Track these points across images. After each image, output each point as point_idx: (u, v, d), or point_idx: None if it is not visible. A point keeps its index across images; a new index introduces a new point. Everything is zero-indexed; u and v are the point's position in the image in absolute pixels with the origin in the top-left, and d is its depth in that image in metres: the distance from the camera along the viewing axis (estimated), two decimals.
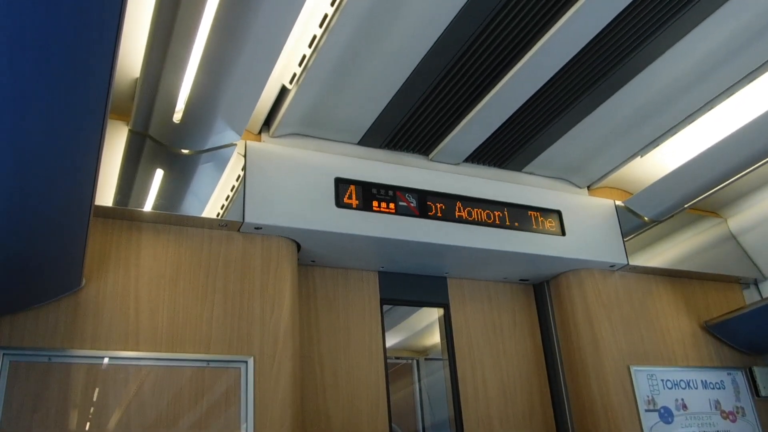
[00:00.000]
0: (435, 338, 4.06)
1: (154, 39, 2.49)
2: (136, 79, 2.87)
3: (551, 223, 3.82)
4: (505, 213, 3.70)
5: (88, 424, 2.55)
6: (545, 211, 3.85)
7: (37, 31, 1.23)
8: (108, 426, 2.58)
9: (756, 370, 4.25)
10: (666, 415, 3.80)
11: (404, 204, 3.44)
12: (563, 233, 3.84)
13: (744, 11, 2.82)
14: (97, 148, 1.77)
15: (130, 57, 2.77)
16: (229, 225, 3.08)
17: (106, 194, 2.84)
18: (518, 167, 4.00)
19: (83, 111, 1.57)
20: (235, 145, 3.18)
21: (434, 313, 4.05)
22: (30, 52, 1.28)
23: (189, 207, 3.02)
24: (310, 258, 3.52)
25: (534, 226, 3.75)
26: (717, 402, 4.04)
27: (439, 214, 3.50)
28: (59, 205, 1.97)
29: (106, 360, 2.67)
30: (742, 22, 2.89)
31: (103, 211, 2.85)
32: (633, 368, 3.81)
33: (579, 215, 3.97)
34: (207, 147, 3.12)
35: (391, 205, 3.40)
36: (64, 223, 2.11)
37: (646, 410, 3.74)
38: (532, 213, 3.79)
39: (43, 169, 1.73)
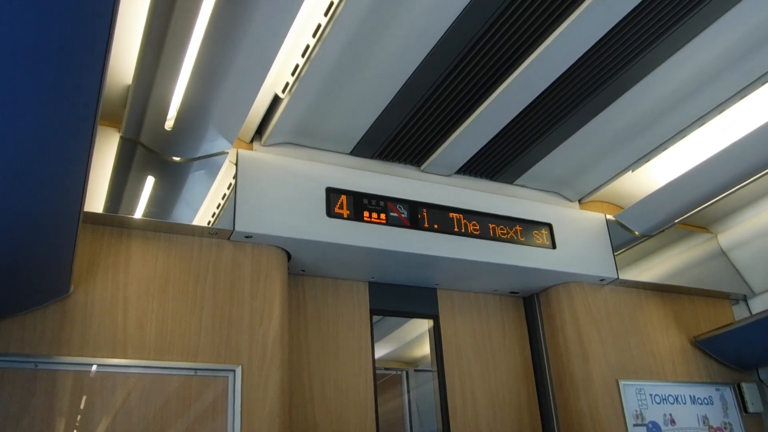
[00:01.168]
0: (424, 350, 4.05)
1: (147, 46, 2.49)
2: (128, 86, 2.87)
3: (542, 236, 3.83)
4: (496, 225, 3.71)
5: None
6: (536, 224, 3.85)
7: (28, 38, 1.23)
8: None
9: (744, 386, 4.27)
10: (654, 430, 3.80)
11: (395, 215, 3.44)
12: (554, 246, 3.85)
13: (735, 29, 2.85)
14: (86, 155, 1.77)
15: (122, 64, 2.77)
16: (220, 233, 3.08)
17: (96, 201, 2.83)
18: (510, 180, 4.01)
19: (73, 117, 1.57)
20: (227, 153, 3.18)
21: (424, 325, 4.05)
22: (20, 58, 1.28)
23: (179, 215, 3.01)
24: (300, 267, 3.52)
25: (525, 239, 3.76)
26: (705, 417, 4.04)
27: (430, 226, 3.50)
28: (48, 211, 1.96)
29: (93, 367, 2.65)
30: (733, 40, 2.92)
31: (93, 217, 2.83)
32: (621, 382, 3.81)
33: (570, 228, 3.98)
34: (198, 155, 3.11)
35: (382, 216, 3.40)
36: (53, 229, 2.10)
37: (634, 424, 3.74)
38: (523, 226, 3.80)
39: (31, 175, 1.72)
